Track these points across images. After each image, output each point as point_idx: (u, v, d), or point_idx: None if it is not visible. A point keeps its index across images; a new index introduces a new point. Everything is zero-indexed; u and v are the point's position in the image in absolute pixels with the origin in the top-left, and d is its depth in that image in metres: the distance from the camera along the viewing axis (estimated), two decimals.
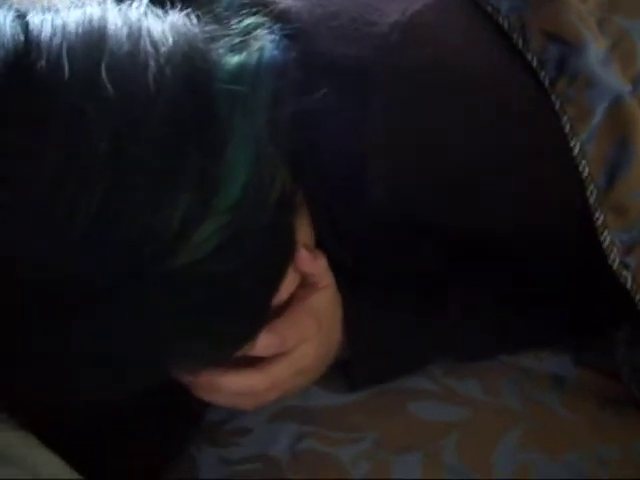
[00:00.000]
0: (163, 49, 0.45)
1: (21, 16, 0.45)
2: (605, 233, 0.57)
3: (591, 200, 0.57)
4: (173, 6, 0.50)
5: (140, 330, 0.46)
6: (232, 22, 0.52)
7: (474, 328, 0.65)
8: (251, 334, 0.52)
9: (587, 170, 0.56)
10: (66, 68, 0.42)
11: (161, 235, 0.44)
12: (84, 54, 0.43)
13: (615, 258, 0.57)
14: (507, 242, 0.59)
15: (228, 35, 0.50)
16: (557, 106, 0.57)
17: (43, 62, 0.42)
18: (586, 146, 0.56)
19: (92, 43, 0.44)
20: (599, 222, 0.57)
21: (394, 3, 0.56)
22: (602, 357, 0.66)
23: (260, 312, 0.52)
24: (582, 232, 0.58)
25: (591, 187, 0.57)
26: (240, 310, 0.50)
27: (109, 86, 0.42)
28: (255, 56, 0.49)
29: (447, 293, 0.66)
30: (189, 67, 0.46)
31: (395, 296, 0.65)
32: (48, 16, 0.46)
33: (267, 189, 0.48)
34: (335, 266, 0.60)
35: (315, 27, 0.56)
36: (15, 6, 0.46)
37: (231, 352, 0.52)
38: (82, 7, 0.47)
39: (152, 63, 0.44)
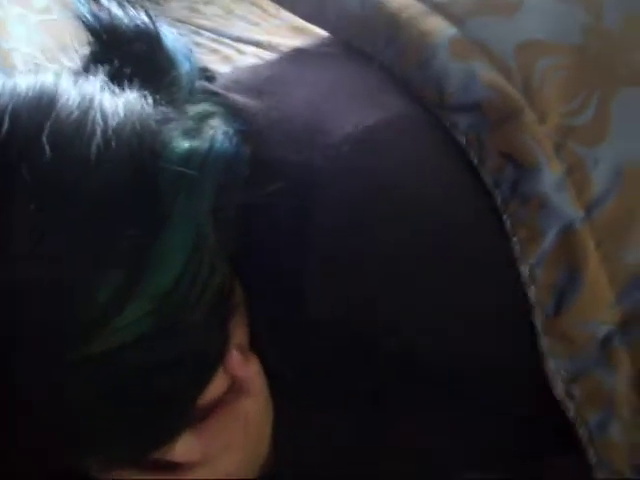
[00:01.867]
0: (112, 122, 0.44)
1: None
2: (550, 360, 0.55)
3: (538, 325, 0.55)
4: (131, 85, 0.49)
5: (44, 419, 0.42)
6: (188, 107, 0.51)
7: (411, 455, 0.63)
8: (170, 437, 0.49)
9: (535, 295, 0.55)
10: (5, 126, 0.41)
11: (79, 316, 0.41)
12: (28, 115, 0.43)
13: (559, 387, 0.55)
14: (446, 363, 0.57)
15: (182, 119, 0.49)
16: (508, 226, 0.56)
17: None
18: (535, 270, 0.55)
19: (38, 106, 0.43)
20: (544, 349, 0.55)
21: (351, 113, 0.55)
22: None
23: (182, 414, 0.49)
24: (527, 359, 0.56)
25: (538, 312, 0.55)
26: (159, 410, 0.46)
27: (47, 149, 0.41)
28: (206, 143, 0.48)
29: (390, 414, 0.63)
30: (136, 143, 0.44)
31: (334, 415, 0.62)
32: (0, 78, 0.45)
33: (203, 281, 0.46)
34: (271, 373, 0.58)
35: (268, 129, 0.54)
36: None
37: (146, 454, 0.48)
38: (37, 74, 0.46)
39: (98, 134, 0.43)
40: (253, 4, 1.83)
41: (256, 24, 1.71)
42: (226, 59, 1.53)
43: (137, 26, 0.56)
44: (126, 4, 0.58)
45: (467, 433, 0.62)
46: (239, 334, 0.54)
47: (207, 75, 0.63)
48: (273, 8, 1.80)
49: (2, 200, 0.40)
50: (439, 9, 0.61)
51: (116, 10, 0.57)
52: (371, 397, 0.59)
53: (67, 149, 0.42)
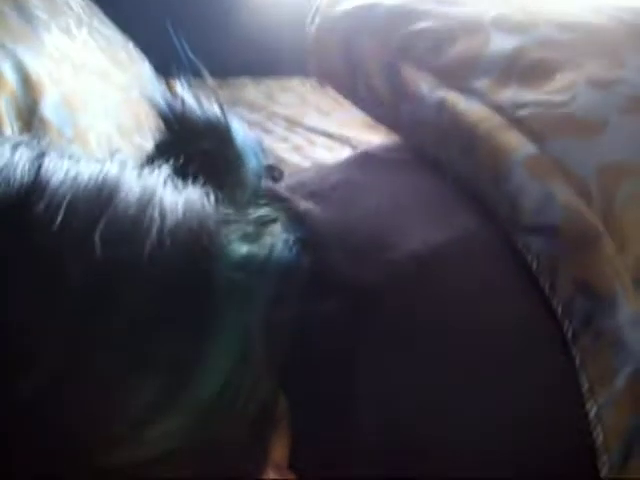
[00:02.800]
0: (170, 220, 0.42)
1: (39, 157, 0.43)
2: None
3: (602, 473, 0.51)
4: (195, 181, 0.47)
5: None
6: (249, 210, 0.49)
7: None
8: None
9: (601, 439, 0.51)
10: (59, 217, 0.40)
11: (111, 422, 0.38)
12: (85, 207, 0.41)
13: None
14: None
15: (242, 222, 0.47)
16: (577, 362, 0.52)
17: (42, 206, 0.40)
18: (603, 411, 0.51)
19: (97, 199, 0.42)
20: None
21: (419, 229, 0.52)
22: None
23: None
24: None
25: (604, 459, 0.51)
26: None
27: (98, 245, 0.39)
28: (265, 250, 0.46)
29: None
30: (193, 244, 0.42)
31: None
32: (65, 163, 0.44)
33: (246, 397, 0.43)
34: None
35: (330, 240, 0.52)
36: (36, 145, 0.45)
37: None
38: (102, 163, 0.45)
39: (154, 232, 0.41)
40: (328, 94, 1.85)
41: (328, 114, 1.72)
42: (297, 148, 1.54)
43: (208, 120, 0.55)
44: (200, 94, 0.57)
45: None
46: (278, 451, 0.50)
47: (273, 174, 0.62)
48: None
49: (47, 292, 0.38)
50: (519, 124, 0.58)
51: (190, 100, 0.56)
52: None
53: (118, 248, 0.40)
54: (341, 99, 1.94)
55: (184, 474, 0.41)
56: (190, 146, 0.53)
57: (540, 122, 0.58)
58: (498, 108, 0.59)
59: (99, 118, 1.07)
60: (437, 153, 0.61)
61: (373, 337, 0.48)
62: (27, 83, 0.94)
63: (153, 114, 0.56)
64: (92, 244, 0.39)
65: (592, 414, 0.51)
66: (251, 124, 1.57)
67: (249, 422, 0.43)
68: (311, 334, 0.47)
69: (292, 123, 1.65)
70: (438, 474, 0.50)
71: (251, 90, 1.84)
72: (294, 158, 1.44)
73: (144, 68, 1.44)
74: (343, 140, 1.54)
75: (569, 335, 0.52)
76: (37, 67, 1.00)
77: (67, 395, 0.38)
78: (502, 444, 0.50)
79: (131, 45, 1.49)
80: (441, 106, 0.60)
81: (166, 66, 0.63)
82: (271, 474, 0.49)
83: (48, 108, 0.95)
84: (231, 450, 0.43)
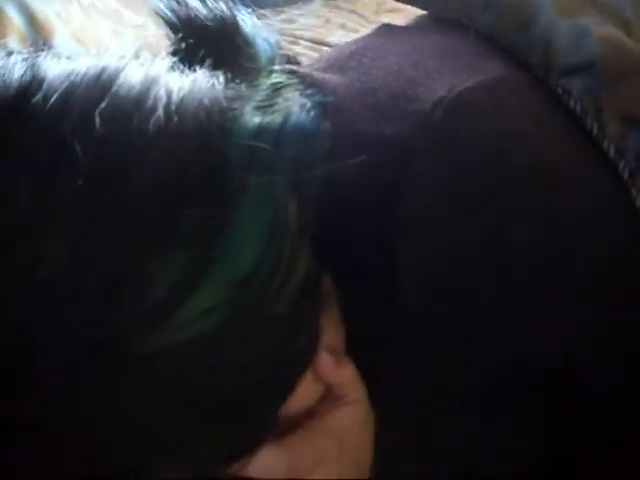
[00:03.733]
0: (176, 97, 0.40)
1: (34, 57, 0.42)
2: None
3: None
4: (203, 65, 0.45)
5: (109, 423, 0.38)
6: (261, 80, 0.46)
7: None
8: (250, 449, 0.43)
9: None
10: (58, 102, 0.39)
11: (141, 301, 0.37)
12: (85, 90, 0.40)
13: None
14: (573, 373, 0.49)
15: (255, 94, 0.44)
16: (638, 203, 0.48)
17: (40, 96, 0.39)
18: None
19: (97, 82, 0.40)
20: None
21: (444, 78, 0.48)
22: None
23: (263, 423, 0.43)
24: None
25: None
26: (236, 416, 0.41)
27: (98, 122, 0.37)
28: (280, 117, 0.43)
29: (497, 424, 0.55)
30: (203, 119, 0.40)
31: (445, 422, 0.55)
32: (62, 60, 0.42)
33: (285, 269, 0.41)
34: (373, 377, 0.51)
35: (351, 102, 0.49)
36: (29, 50, 0.44)
37: (222, 467, 0.43)
38: (100, 56, 0.43)
39: (160, 109, 0.39)
40: (351, 12, 1.80)
41: (355, 31, 1.67)
42: None
43: (215, 16, 0.52)
44: None
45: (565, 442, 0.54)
46: (331, 334, 0.48)
47: (290, 60, 0.59)
48: (371, 13, 1.76)
49: (52, 178, 0.37)
50: None
51: (194, 2, 0.53)
52: (479, 405, 0.52)
53: (124, 124, 0.38)
54: (365, 16, 1.87)
55: (227, 357, 0.39)
56: (197, 36, 0.50)
57: None
58: None
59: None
60: (458, 15, 0.57)
61: (413, 189, 0.45)
62: (35, 24, 0.92)
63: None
64: (93, 122, 0.37)
65: None
66: None
67: (293, 297, 0.41)
68: (343, 196, 0.45)
69: (318, 43, 1.60)
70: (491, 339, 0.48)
71: (272, 19, 1.79)
72: None
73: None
74: None
75: (626, 176, 0.48)
76: (43, 8, 0.98)
77: (86, 279, 0.36)
78: (574, 293, 0.47)
79: None
80: None
81: None
82: (325, 356, 0.47)
83: (59, 47, 0.92)
84: (277, 329, 0.41)
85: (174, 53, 0.50)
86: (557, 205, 0.47)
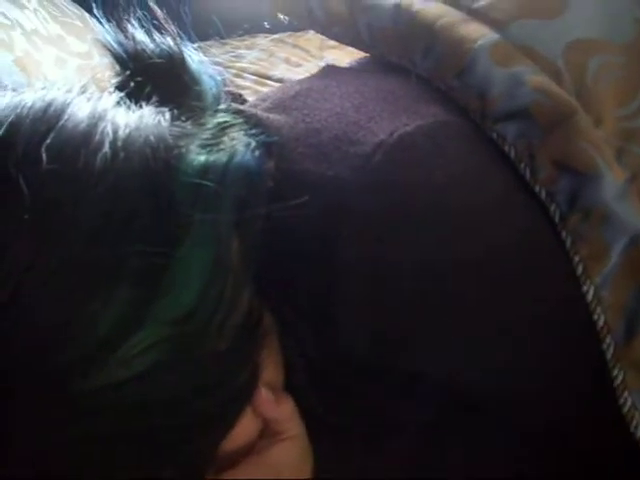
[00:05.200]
0: (123, 134, 0.40)
1: None
2: (625, 395, 0.49)
3: (608, 355, 0.49)
4: (150, 102, 0.45)
5: (43, 456, 0.37)
6: (207, 119, 0.47)
7: None
8: None
9: (602, 319, 0.49)
10: (3, 135, 0.39)
11: (80, 340, 0.36)
12: (31, 125, 0.39)
13: (638, 424, 0.49)
14: (504, 397, 0.51)
15: (200, 132, 0.45)
16: (568, 245, 0.50)
17: None
18: (601, 291, 0.49)
19: (44, 116, 0.40)
20: (617, 381, 0.49)
21: (385, 121, 0.49)
22: None
23: (200, 460, 0.44)
24: (597, 394, 0.50)
25: (608, 340, 0.49)
26: (173, 454, 0.41)
27: (44, 158, 0.38)
28: (225, 155, 0.44)
29: (445, 449, 0.56)
30: (149, 156, 0.41)
31: (382, 453, 0.56)
32: (7, 94, 0.43)
33: (227, 306, 0.41)
34: (310, 413, 0.52)
35: (295, 142, 0.50)
36: None
37: None
38: (47, 89, 0.43)
39: (106, 145, 0.39)
40: (295, 46, 1.82)
41: (298, 65, 1.69)
42: None
43: (162, 51, 0.53)
44: (153, 30, 0.55)
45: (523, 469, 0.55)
46: (271, 371, 0.48)
47: (235, 98, 0.59)
48: (314, 49, 1.78)
49: None
50: (478, 15, 0.56)
51: (141, 36, 0.54)
52: (419, 431, 0.53)
53: (70, 160, 0.38)
54: (309, 51, 1.89)
55: (166, 393, 0.39)
56: (143, 71, 0.51)
57: (499, 10, 0.55)
58: (454, 3, 0.57)
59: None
60: (399, 59, 0.59)
61: (351, 233, 0.46)
62: None
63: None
64: (39, 157, 0.37)
65: (590, 296, 0.49)
66: None
67: (232, 334, 0.41)
68: (285, 235, 0.45)
69: (262, 77, 1.61)
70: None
71: (217, 51, 1.80)
72: None
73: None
74: None
75: (557, 218, 0.50)
76: None
77: (28, 313, 0.36)
78: (497, 326, 0.48)
79: (87, 15, 1.45)
80: (397, 10, 0.58)
81: None
82: (265, 393, 0.47)
83: (2, 74, 0.92)
84: (217, 366, 0.41)
85: (120, 87, 0.51)
86: (488, 247, 0.48)
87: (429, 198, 0.47)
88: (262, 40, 1.88)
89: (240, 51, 1.79)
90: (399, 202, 0.46)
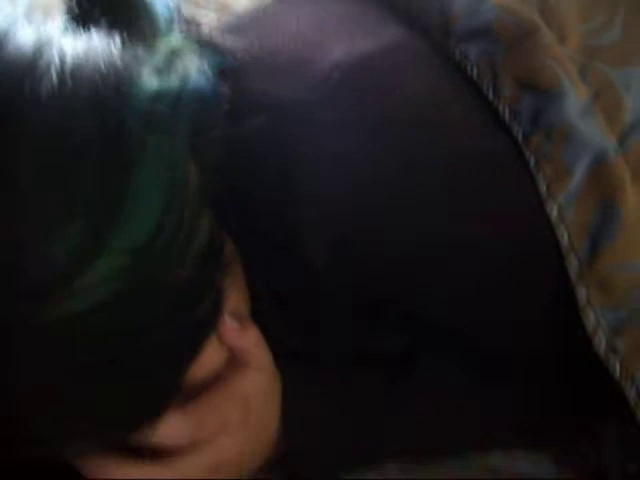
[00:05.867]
0: (71, 60, 0.39)
1: None
2: (589, 312, 0.49)
3: (572, 273, 0.49)
4: (99, 26, 0.44)
5: (5, 398, 0.37)
6: (159, 42, 0.45)
7: (440, 421, 0.57)
8: (153, 416, 0.43)
9: (566, 238, 0.49)
10: None
11: (37, 273, 0.36)
12: None
13: (601, 341, 0.49)
14: (463, 323, 0.51)
15: (152, 56, 0.44)
16: (532, 164, 0.49)
17: None
18: (565, 211, 0.49)
19: None
20: (581, 299, 0.49)
21: (341, 43, 0.48)
22: (585, 458, 0.57)
23: (166, 390, 0.43)
24: (562, 311, 0.50)
25: (571, 258, 0.49)
26: (139, 384, 0.41)
27: None
28: (178, 79, 0.43)
29: (412, 380, 0.57)
30: (99, 83, 0.39)
31: (349, 382, 0.56)
32: None
33: (187, 232, 0.41)
34: (276, 342, 0.52)
35: (249, 65, 0.49)
36: None
37: (125, 436, 0.43)
38: None
39: (53, 73, 0.38)
40: None
41: None
42: None
43: None
44: None
45: (493, 398, 0.56)
46: (235, 299, 0.48)
47: (189, 22, 0.58)
48: None
49: None
50: None
51: None
52: (385, 359, 0.53)
53: (14, 90, 0.37)
54: None
55: (128, 323, 0.39)
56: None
57: None
58: None
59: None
60: None
61: (309, 150, 0.45)
62: None
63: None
64: None
65: (554, 215, 0.49)
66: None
67: (195, 262, 0.41)
68: (243, 159, 0.45)
69: (224, 6, 1.57)
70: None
71: None
72: None
73: None
74: None
75: (519, 138, 0.49)
76: None
77: None
78: (461, 248, 0.48)
79: None
80: None
81: None
82: (229, 321, 0.47)
83: None
84: (179, 295, 0.41)
85: (68, 11, 0.49)
86: (449, 165, 0.48)
87: (386, 117, 0.46)
88: None
89: None
90: (356, 121, 0.45)
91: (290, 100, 0.46)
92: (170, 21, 0.51)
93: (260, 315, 0.51)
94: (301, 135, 0.45)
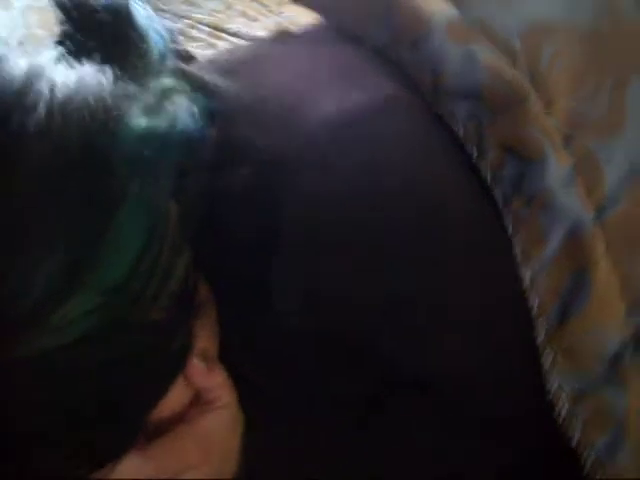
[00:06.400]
0: (61, 94, 0.39)
1: None
2: (552, 376, 0.49)
3: (540, 337, 0.50)
4: (92, 59, 0.44)
5: None
6: (150, 82, 0.45)
7: (407, 469, 0.57)
8: (114, 455, 0.43)
9: (537, 303, 0.49)
10: None
11: (12, 307, 0.36)
12: None
13: (563, 406, 0.49)
14: (429, 374, 0.51)
15: (143, 95, 0.44)
16: (509, 228, 0.50)
17: None
18: (538, 276, 0.49)
19: None
20: (547, 363, 0.50)
21: (331, 95, 0.49)
22: None
23: (130, 429, 0.43)
24: (527, 375, 0.50)
25: (540, 322, 0.50)
26: (103, 423, 0.41)
27: None
28: (167, 121, 0.43)
29: (379, 425, 0.57)
30: (87, 118, 0.39)
31: (315, 425, 0.56)
32: None
33: (163, 273, 0.41)
34: (243, 381, 0.52)
35: (239, 111, 0.49)
36: None
37: (86, 474, 0.43)
38: None
39: (41, 105, 0.38)
40: (253, 0, 1.78)
41: (255, 20, 1.65)
42: None
43: (108, 4, 0.51)
44: None
45: (454, 452, 0.56)
46: (204, 339, 0.48)
47: (183, 56, 0.58)
48: (273, 4, 1.75)
49: None
50: None
51: None
52: (349, 406, 0.53)
53: (3, 120, 0.37)
54: (268, 5, 1.87)
55: (96, 361, 0.39)
56: (86, 25, 0.49)
57: None
58: None
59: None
60: (355, 28, 0.58)
61: (290, 210, 0.45)
62: None
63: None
64: None
65: (527, 280, 0.50)
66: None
67: (167, 304, 0.41)
68: (224, 207, 0.45)
69: (217, 29, 1.58)
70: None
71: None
72: None
73: None
74: None
75: (500, 202, 0.50)
76: None
77: None
78: (434, 306, 0.49)
79: None
80: None
81: None
82: (197, 362, 0.47)
83: None
84: (149, 335, 0.41)
85: (62, 39, 0.49)
86: (429, 223, 0.48)
87: (369, 180, 0.46)
88: None
89: (198, 1, 1.75)
90: (339, 182, 0.46)
91: (275, 155, 0.46)
92: (164, 54, 0.52)
93: (228, 354, 0.51)
94: (282, 191, 0.46)
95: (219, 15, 1.70)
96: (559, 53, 0.53)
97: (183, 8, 1.71)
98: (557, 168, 0.50)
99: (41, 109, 0.38)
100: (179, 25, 1.63)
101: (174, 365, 0.45)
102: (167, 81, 0.46)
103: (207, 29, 1.56)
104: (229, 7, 1.76)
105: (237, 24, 1.64)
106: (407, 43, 0.53)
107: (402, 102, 0.51)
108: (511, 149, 0.50)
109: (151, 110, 0.43)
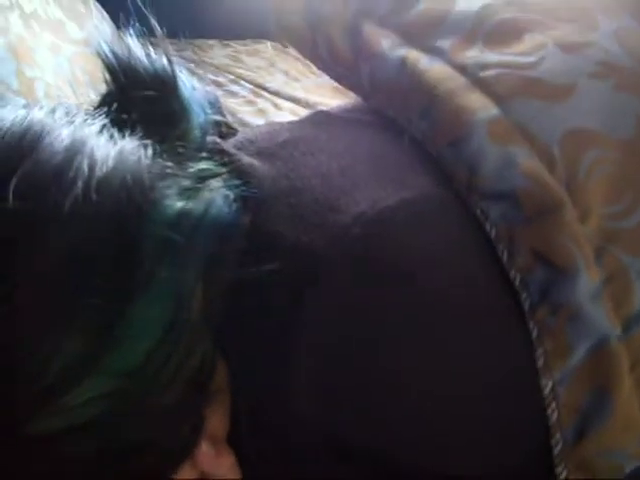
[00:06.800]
0: (99, 172, 0.39)
1: None
2: None
3: (555, 451, 0.49)
4: (134, 132, 0.44)
5: None
6: (190, 164, 0.45)
7: None
8: None
9: (555, 416, 0.48)
10: None
11: (27, 388, 0.35)
12: (5, 154, 0.38)
13: None
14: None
15: (180, 176, 0.44)
16: (534, 335, 0.49)
17: None
18: (558, 387, 0.49)
19: (19, 144, 0.39)
20: (560, 476, 0.48)
21: (367, 191, 0.48)
22: None
23: None
24: None
25: (557, 436, 0.49)
26: None
27: (10, 195, 0.36)
28: (201, 207, 0.43)
29: None
30: (123, 200, 0.39)
31: None
32: None
33: (179, 361, 0.40)
34: (250, 467, 0.51)
35: (274, 200, 0.48)
36: None
37: None
38: (29, 108, 0.42)
39: (79, 184, 0.38)
40: (297, 59, 1.81)
41: (296, 79, 1.68)
42: (261, 112, 1.49)
43: (155, 71, 0.52)
44: (149, 45, 0.54)
45: None
46: (215, 423, 0.47)
47: (224, 131, 0.58)
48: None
49: None
50: (482, 85, 0.55)
51: (137, 50, 0.52)
52: None
53: (37, 199, 0.37)
54: (310, 66, 1.90)
55: (106, 444, 0.38)
56: (133, 95, 0.49)
57: (505, 84, 0.55)
58: (461, 68, 0.56)
59: (48, 70, 1.02)
60: (396, 114, 0.58)
61: (318, 306, 0.45)
62: None
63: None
64: (5, 193, 0.36)
65: (547, 390, 0.49)
66: (216, 86, 1.52)
67: (181, 390, 0.40)
68: (251, 296, 0.44)
69: (258, 86, 1.60)
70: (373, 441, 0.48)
71: (218, 52, 1.79)
72: (259, 122, 1.40)
73: (103, 25, 1.38)
74: (310, 105, 1.50)
75: (526, 307, 0.50)
76: None
77: None
78: (452, 412, 0.48)
79: (92, 0, 1.44)
80: (402, 65, 0.57)
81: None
82: (206, 447, 0.46)
83: None
84: (161, 421, 0.40)
85: (106, 101, 0.49)
86: (454, 327, 0.47)
87: (401, 278, 0.46)
88: (265, 48, 1.87)
89: (241, 56, 1.78)
90: (371, 280, 0.45)
91: (306, 252, 0.46)
92: (205, 130, 0.52)
93: (237, 439, 0.50)
94: (310, 292, 0.45)
95: (261, 72, 1.73)
96: (598, 162, 0.52)
97: (225, 62, 1.74)
98: (587, 281, 0.49)
99: (79, 189, 0.38)
100: (221, 79, 1.66)
101: (182, 449, 0.44)
102: (205, 163, 0.46)
103: (249, 86, 1.59)
104: (272, 64, 1.79)
105: (278, 82, 1.67)
106: (447, 140, 0.53)
107: (437, 200, 0.50)
108: (542, 256, 0.50)
109: (187, 193, 0.43)
